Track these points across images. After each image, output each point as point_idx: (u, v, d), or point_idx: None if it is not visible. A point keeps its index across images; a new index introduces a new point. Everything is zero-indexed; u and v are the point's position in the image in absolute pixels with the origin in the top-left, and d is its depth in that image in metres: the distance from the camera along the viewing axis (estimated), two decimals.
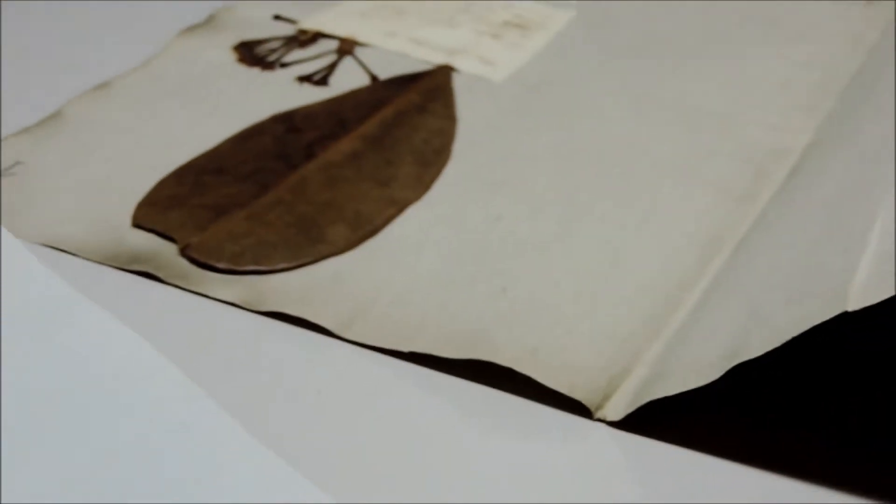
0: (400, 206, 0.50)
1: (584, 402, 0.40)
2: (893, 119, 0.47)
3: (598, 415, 0.40)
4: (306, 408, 0.40)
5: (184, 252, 0.46)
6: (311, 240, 0.47)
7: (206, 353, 0.42)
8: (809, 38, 0.66)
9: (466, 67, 0.62)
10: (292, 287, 0.45)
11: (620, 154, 0.54)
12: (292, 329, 0.44)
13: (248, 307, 0.44)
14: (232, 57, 0.63)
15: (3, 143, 0.53)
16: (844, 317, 0.34)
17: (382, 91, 0.59)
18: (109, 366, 0.39)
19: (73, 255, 0.47)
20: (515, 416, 0.40)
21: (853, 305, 0.34)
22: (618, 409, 0.40)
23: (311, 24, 0.66)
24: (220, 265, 0.46)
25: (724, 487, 0.38)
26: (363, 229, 0.48)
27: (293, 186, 0.50)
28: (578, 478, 0.38)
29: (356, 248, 0.47)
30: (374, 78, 0.61)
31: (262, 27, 0.66)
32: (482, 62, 0.62)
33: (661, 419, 0.39)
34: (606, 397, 0.40)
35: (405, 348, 0.42)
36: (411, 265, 0.47)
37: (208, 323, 0.44)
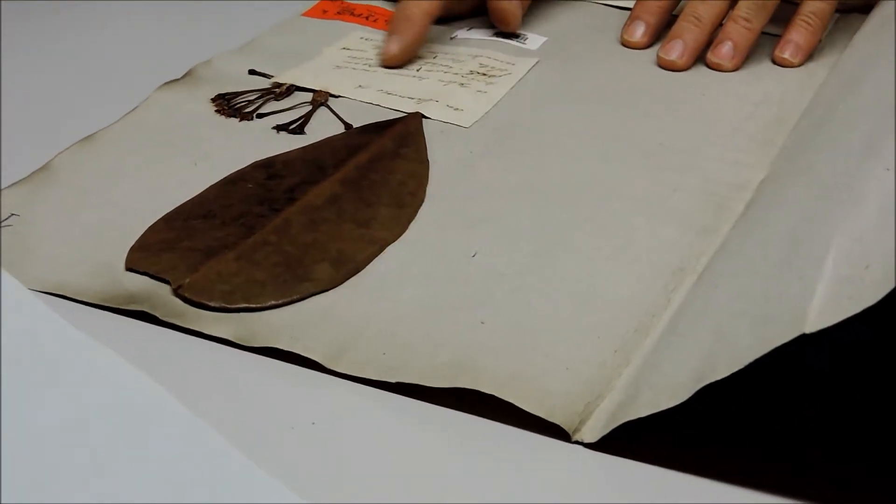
0: (380, 245, 0.52)
1: (562, 425, 0.42)
2: (843, 152, 0.49)
3: (576, 437, 0.42)
4: (302, 437, 0.42)
5: (177, 292, 0.48)
6: (298, 278, 0.49)
7: (204, 387, 0.44)
8: (764, 76, 0.69)
9: (435, 114, 0.64)
10: (282, 323, 0.47)
11: (588, 191, 0.57)
12: (284, 363, 0.46)
13: (241, 343, 0.46)
14: (210, 108, 0.65)
15: None
16: (803, 339, 0.37)
17: (357, 137, 0.61)
18: (116, 402, 0.41)
19: (73, 300, 0.48)
20: (497, 439, 0.42)
21: (811, 328, 0.37)
22: (594, 431, 0.42)
23: (285, 77, 0.68)
24: (213, 304, 0.48)
25: (694, 500, 0.40)
26: (346, 267, 0.50)
27: (278, 228, 0.52)
28: (558, 496, 0.40)
29: (341, 285, 0.50)
30: (347, 126, 0.63)
31: (238, 81, 0.68)
32: (451, 109, 0.65)
33: (634, 440, 0.41)
34: (583, 420, 0.43)
35: (392, 379, 0.44)
36: (394, 300, 0.49)
37: (205, 358, 0.46)
